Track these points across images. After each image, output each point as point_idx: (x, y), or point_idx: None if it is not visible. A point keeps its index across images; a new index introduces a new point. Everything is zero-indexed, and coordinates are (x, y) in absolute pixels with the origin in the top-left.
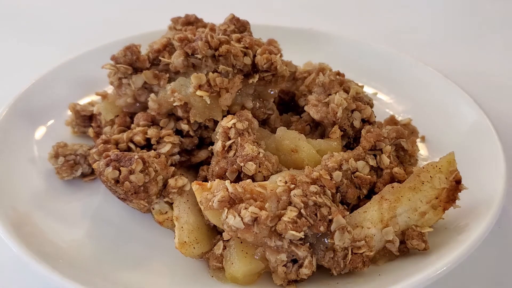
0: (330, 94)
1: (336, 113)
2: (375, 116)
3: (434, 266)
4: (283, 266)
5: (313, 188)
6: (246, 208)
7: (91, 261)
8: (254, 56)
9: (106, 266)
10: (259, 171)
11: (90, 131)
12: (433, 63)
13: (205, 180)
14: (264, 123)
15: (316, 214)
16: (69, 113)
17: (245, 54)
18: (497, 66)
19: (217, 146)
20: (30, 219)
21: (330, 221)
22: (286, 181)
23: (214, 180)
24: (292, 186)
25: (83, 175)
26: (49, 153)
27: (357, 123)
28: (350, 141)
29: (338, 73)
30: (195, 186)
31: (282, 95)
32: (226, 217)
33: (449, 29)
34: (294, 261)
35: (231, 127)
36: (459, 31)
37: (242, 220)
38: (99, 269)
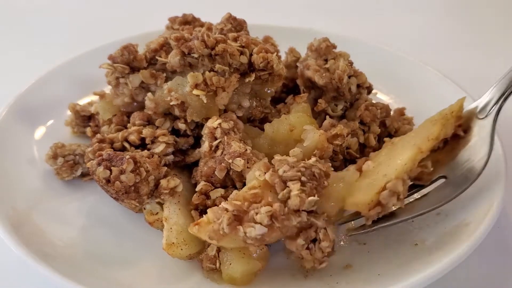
0: (326, 60)
1: (343, 79)
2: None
3: (434, 266)
4: (305, 249)
5: (291, 159)
6: (257, 213)
7: (85, 260)
8: (251, 55)
9: (100, 265)
10: (247, 167)
11: (88, 131)
12: (433, 63)
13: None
14: (262, 122)
15: (314, 175)
16: (69, 113)
17: (242, 53)
18: (497, 66)
19: (204, 147)
20: (30, 218)
21: (326, 174)
22: (264, 172)
23: (202, 181)
24: (274, 168)
25: (83, 175)
26: (47, 154)
27: (353, 88)
28: (347, 105)
29: (328, 39)
30: (193, 228)
31: (286, 82)
32: (245, 233)
33: (449, 29)
34: (314, 240)
35: (217, 127)
36: (459, 31)
37: (262, 224)
38: (92, 268)
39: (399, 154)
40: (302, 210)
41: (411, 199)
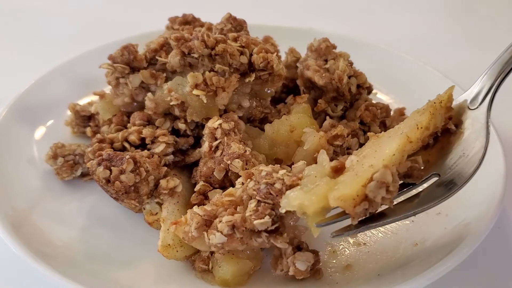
0: (326, 60)
1: (342, 79)
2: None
3: (434, 266)
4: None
5: (263, 172)
6: (220, 221)
7: (85, 260)
8: (251, 55)
9: (100, 265)
10: (246, 168)
11: (88, 131)
12: (433, 63)
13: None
14: (262, 122)
15: (270, 193)
16: (69, 113)
17: (242, 53)
18: None
19: (204, 147)
20: (30, 218)
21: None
22: (242, 182)
23: (201, 182)
24: (248, 181)
25: (83, 175)
26: (47, 154)
27: (353, 89)
28: (347, 106)
29: (328, 40)
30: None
31: (286, 82)
32: (209, 239)
33: (449, 28)
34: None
35: (217, 127)
36: (459, 31)
37: (222, 233)
38: (92, 268)
39: (386, 144)
40: (262, 231)
41: (401, 198)
